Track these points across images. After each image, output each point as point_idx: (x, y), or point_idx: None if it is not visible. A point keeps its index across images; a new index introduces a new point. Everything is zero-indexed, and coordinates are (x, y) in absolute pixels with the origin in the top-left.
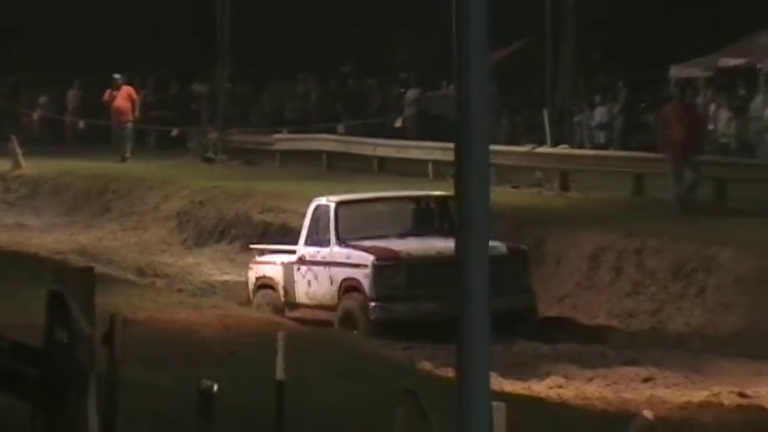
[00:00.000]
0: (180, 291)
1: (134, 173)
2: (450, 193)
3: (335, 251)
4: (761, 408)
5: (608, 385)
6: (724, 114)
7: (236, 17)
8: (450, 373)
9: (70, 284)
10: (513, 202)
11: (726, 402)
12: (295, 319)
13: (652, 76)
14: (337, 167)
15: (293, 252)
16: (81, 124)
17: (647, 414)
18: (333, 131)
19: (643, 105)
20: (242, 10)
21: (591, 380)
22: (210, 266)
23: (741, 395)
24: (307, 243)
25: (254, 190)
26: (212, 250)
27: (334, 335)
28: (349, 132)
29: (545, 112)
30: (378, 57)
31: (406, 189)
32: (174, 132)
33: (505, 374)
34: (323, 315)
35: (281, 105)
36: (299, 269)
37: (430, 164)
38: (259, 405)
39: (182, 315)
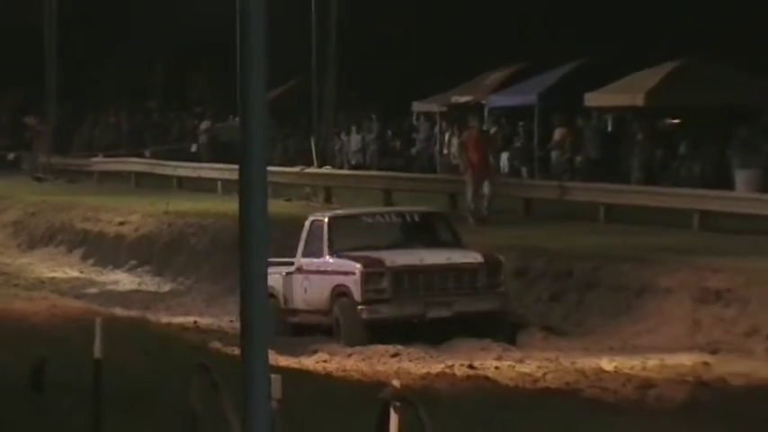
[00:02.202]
0: (15, 285)
1: None
2: (433, 209)
3: (328, 261)
4: (486, 377)
5: (364, 360)
6: (455, 141)
7: (62, 55)
8: (236, 351)
9: None
10: (286, 212)
11: (458, 373)
12: (295, 324)
13: (398, 111)
14: (144, 185)
15: (288, 264)
16: None
17: (396, 383)
18: (140, 155)
19: (390, 134)
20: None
21: (350, 356)
22: (41, 266)
23: (470, 367)
24: (303, 254)
25: (76, 203)
26: (42, 252)
27: (143, 321)
28: (154, 156)
29: (312, 140)
30: (177, 94)
31: (198, 202)
32: (11, 156)
33: (281, 352)
34: (318, 319)
35: (98, 133)
36: (296, 278)
37: (219, 182)
38: (81, 379)
39: (17, 305)
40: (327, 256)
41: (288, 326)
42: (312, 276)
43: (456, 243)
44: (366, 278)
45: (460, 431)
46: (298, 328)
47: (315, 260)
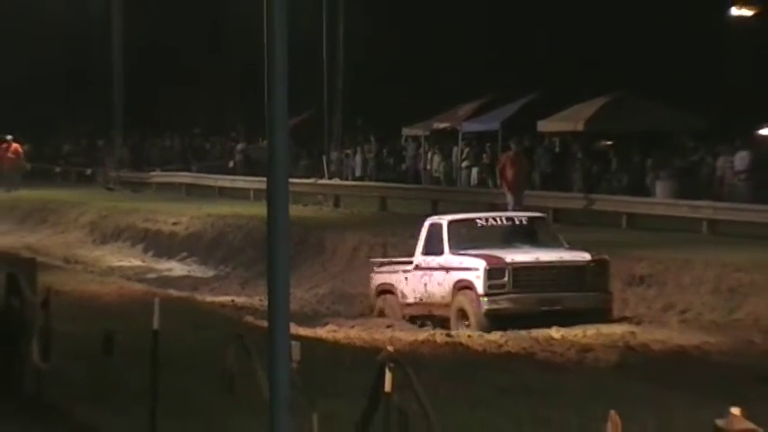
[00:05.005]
0: (91, 272)
1: (61, 198)
2: (537, 213)
3: (449, 258)
4: (461, 344)
5: (364, 330)
6: (437, 159)
7: (128, 91)
8: (264, 323)
9: (20, 268)
10: (303, 215)
11: (438, 341)
12: (411, 316)
13: (392, 134)
14: (192, 194)
15: (406, 263)
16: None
17: (390, 348)
18: (189, 170)
19: (385, 152)
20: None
21: (353, 327)
22: (111, 257)
23: (448, 336)
24: (423, 253)
25: (138, 208)
26: (112, 246)
27: (191, 300)
28: (199, 171)
29: (324, 158)
30: (217, 121)
31: (234, 207)
32: (88, 172)
33: (300, 323)
34: (437, 310)
35: (155, 153)
36: (415, 274)
37: (251, 191)
38: (142, 346)
39: (92, 287)
40: (448, 254)
41: (405, 318)
42: (432, 272)
43: (559, 243)
44: (489, 273)
45: (440, 386)
46: (413, 319)
47: (435, 258)
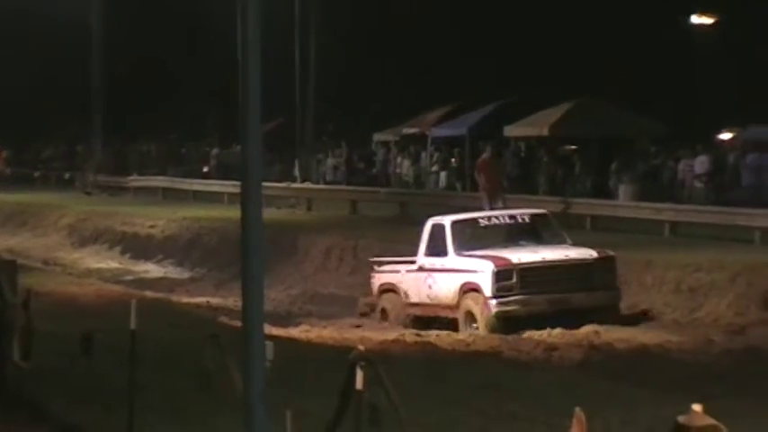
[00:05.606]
0: (70, 274)
1: (41, 201)
2: (542, 210)
3: (454, 260)
4: (429, 343)
5: (336, 330)
6: (406, 163)
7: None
8: (239, 323)
9: (1, 270)
10: (277, 218)
11: (408, 340)
12: (416, 316)
13: (362, 139)
14: (168, 198)
15: (409, 263)
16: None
17: (361, 347)
18: (165, 174)
19: (356, 157)
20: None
21: (325, 327)
22: (89, 259)
23: (418, 335)
24: (426, 254)
25: (116, 211)
26: (90, 249)
27: (168, 301)
28: (175, 175)
29: (296, 162)
30: (192, 128)
31: (209, 210)
32: (67, 176)
33: (273, 324)
34: (443, 312)
35: (133, 158)
36: (419, 276)
37: (225, 195)
38: (120, 345)
39: (71, 289)
40: (453, 256)
41: (409, 318)
42: (436, 274)
43: (563, 240)
44: (497, 275)
45: (410, 384)
46: (417, 320)
47: (439, 259)
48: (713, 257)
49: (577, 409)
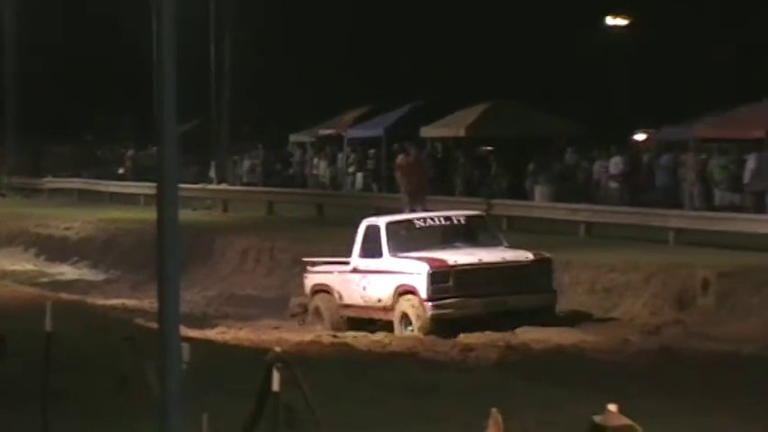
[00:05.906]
0: None
1: None
2: (478, 212)
3: (389, 261)
4: (346, 344)
5: (253, 332)
6: (323, 164)
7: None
8: (155, 325)
9: None
10: (193, 219)
11: (325, 342)
12: (350, 318)
13: (279, 140)
14: (84, 199)
15: (343, 263)
16: None
17: (277, 348)
18: (80, 176)
19: (273, 158)
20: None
21: (241, 329)
22: (3, 261)
23: (335, 336)
24: (360, 255)
25: (31, 213)
26: (4, 251)
27: (83, 303)
28: (91, 177)
29: (212, 163)
30: (107, 130)
31: (125, 212)
32: None
33: (189, 325)
34: (378, 314)
35: (48, 160)
36: (353, 277)
37: (142, 196)
38: (35, 348)
39: None
40: (388, 257)
41: (343, 319)
42: (371, 276)
43: (499, 242)
44: (432, 277)
45: (326, 384)
46: (352, 322)
47: (374, 261)
48: (628, 258)
49: (494, 410)
